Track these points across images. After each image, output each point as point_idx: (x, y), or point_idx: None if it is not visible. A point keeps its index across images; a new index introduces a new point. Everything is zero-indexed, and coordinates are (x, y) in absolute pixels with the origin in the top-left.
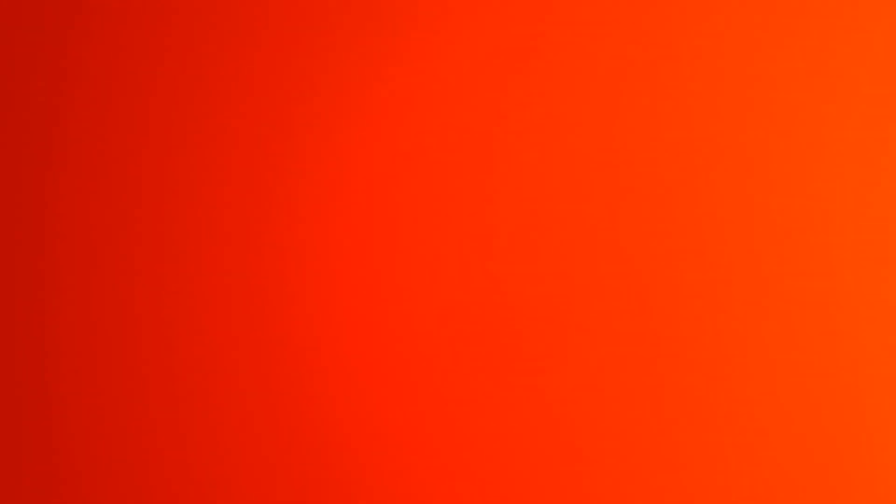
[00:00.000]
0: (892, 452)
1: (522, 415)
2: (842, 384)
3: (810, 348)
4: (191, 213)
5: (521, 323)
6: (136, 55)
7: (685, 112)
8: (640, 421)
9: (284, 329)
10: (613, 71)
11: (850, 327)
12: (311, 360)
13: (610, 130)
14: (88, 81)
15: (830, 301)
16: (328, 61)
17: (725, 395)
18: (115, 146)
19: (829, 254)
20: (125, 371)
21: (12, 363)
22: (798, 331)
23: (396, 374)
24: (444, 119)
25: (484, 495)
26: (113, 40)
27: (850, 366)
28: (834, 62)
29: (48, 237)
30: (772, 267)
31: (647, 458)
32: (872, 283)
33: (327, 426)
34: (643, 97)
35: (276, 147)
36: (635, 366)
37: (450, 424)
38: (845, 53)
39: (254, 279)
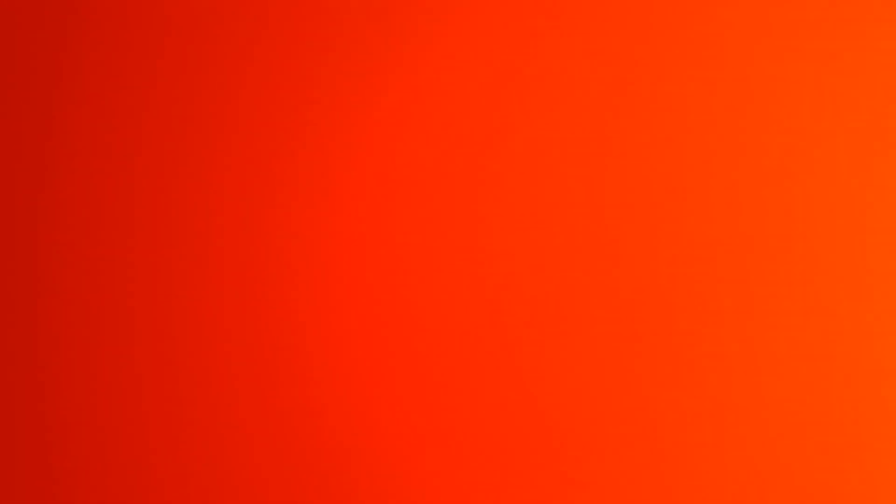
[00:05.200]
0: (892, 452)
1: (519, 413)
2: (841, 384)
3: (808, 349)
4: (190, 213)
5: (518, 323)
6: (139, 55)
7: (687, 113)
8: (636, 422)
9: (282, 329)
10: (618, 73)
11: (848, 327)
12: (308, 360)
13: (614, 132)
14: (89, 81)
15: (829, 301)
16: (329, 63)
17: (719, 394)
18: (116, 145)
19: (828, 254)
20: (123, 370)
21: (9, 362)
22: (796, 331)
23: (394, 373)
24: (445, 121)
25: (479, 493)
26: (113, 39)
27: (849, 366)
28: (833, 62)
29: (47, 236)
30: (765, 267)
31: (642, 459)
32: (871, 283)
33: (324, 425)
34: (648, 97)
35: (275, 149)
36: (632, 367)
37: (446, 423)
38: (845, 53)
39: (252, 280)
